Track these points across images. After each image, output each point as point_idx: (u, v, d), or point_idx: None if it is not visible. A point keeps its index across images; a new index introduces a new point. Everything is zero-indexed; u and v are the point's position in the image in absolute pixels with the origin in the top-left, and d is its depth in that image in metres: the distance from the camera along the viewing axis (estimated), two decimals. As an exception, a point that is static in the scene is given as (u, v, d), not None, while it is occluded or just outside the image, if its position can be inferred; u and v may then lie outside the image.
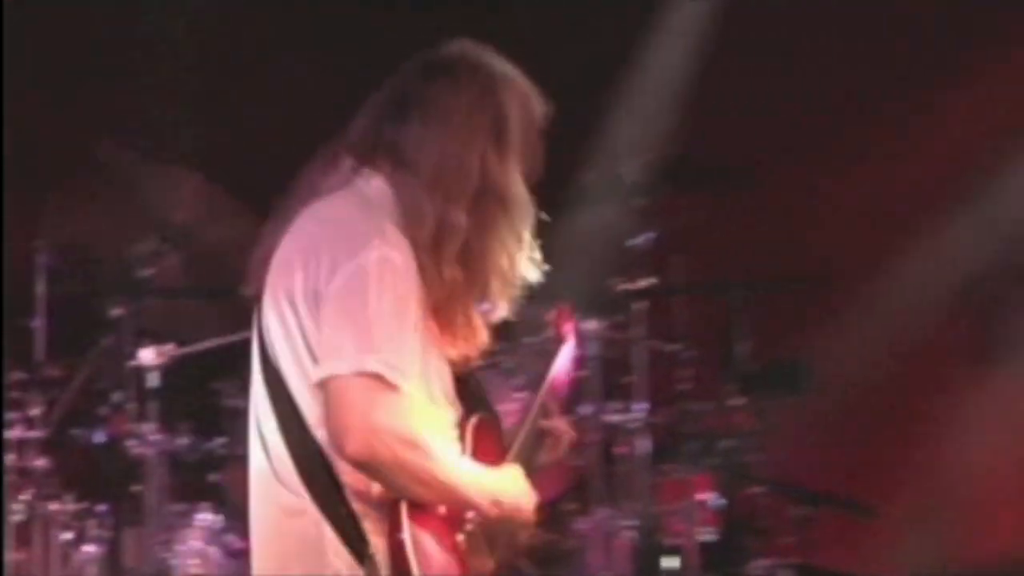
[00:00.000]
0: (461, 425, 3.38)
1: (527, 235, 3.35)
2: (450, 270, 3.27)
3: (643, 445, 5.50)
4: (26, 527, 5.23)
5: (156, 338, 5.38)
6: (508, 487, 3.40)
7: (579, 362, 4.11)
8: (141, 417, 5.22)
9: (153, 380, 5.20)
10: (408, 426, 3.19)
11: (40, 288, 5.33)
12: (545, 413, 3.63)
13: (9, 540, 5.25)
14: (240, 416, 4.85)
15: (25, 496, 5.21)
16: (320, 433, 3.22)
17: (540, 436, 3.61)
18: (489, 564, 3.39)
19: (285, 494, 3.26)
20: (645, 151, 6.05)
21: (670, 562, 5.39)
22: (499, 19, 6.58)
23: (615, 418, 5.50)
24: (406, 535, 3.19)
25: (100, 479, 5.32)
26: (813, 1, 6.94)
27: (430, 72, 3.41)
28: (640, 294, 5.55)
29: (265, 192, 3.58)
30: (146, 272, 5.26)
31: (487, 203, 3.33)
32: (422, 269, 3.24)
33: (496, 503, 3.32)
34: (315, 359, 3.22)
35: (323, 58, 7.02)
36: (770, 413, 5.84)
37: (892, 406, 6.59)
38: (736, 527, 5.58)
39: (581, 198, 5.93)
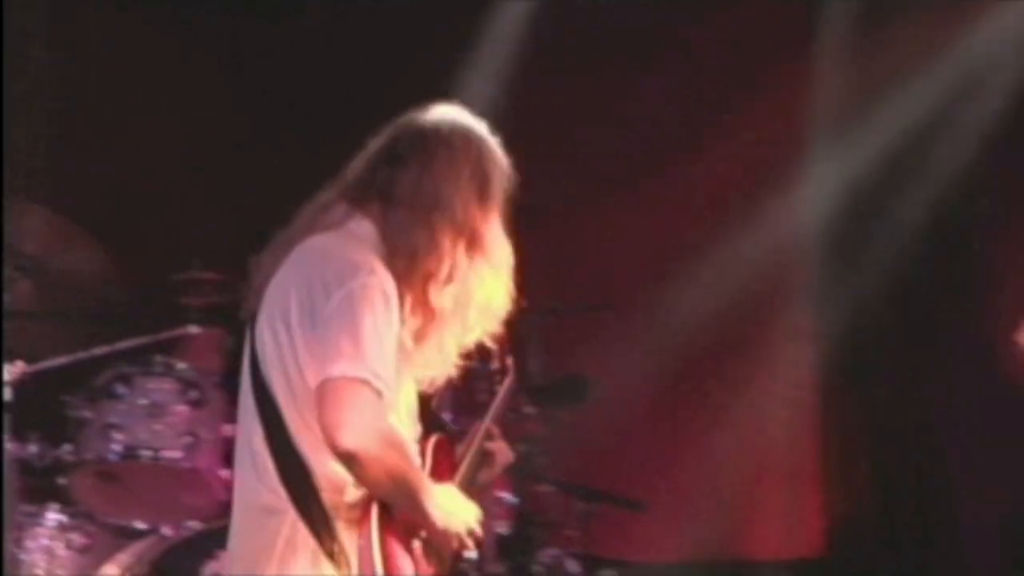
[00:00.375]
0: (421, 443, 3.65)
1: (505, 278, 3.64)
2: (432, 303, 3.56)
3: None
4: None
5: (9, 356, 5.34)
6: (454, 502, 3.64)
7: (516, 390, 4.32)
8: None
9: (6, 394, 5.25)
10: (391, 427, 3.47)
11: None
12: (490, 436, 3.92)
13: None
14: (84, 425, 5.34)
15: None
16: (302, 438, 3.52)
17: (484, 457, 3.89)
18: (436, 570, 3.61)
19: (266, 494, 3.52)
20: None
21: (468, 553, 5.57)
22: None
23: None
24: (374, 536, 3.44)
25: None
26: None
27: (423, 128, 3.68)
28: None
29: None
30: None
31: (470, 246, 3.59)
32: (403, 299, 3.53)
33: (445, 514, 3.57)
34: (303, 371, 3.47)
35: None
36: (557, 421, 6.03)
37: (662, 414, 6.88)
38: (527, 521, 5.75)
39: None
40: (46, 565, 5.41)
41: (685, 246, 6.79)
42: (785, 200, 6.94)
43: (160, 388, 5.47)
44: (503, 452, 3.95)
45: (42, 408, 5.60)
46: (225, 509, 4.43)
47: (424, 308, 3.57)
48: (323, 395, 3.42)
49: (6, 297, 5.41)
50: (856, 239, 6.85)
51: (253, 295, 3.64)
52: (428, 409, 3.74)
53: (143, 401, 5.42)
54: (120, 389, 5.48)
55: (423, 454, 3.66)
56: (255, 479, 3.57)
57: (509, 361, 4.15)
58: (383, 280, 3.52)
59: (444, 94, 3.85)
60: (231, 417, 5.15)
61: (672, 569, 6.84)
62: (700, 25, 7.09)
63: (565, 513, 5.87)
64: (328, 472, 3.50)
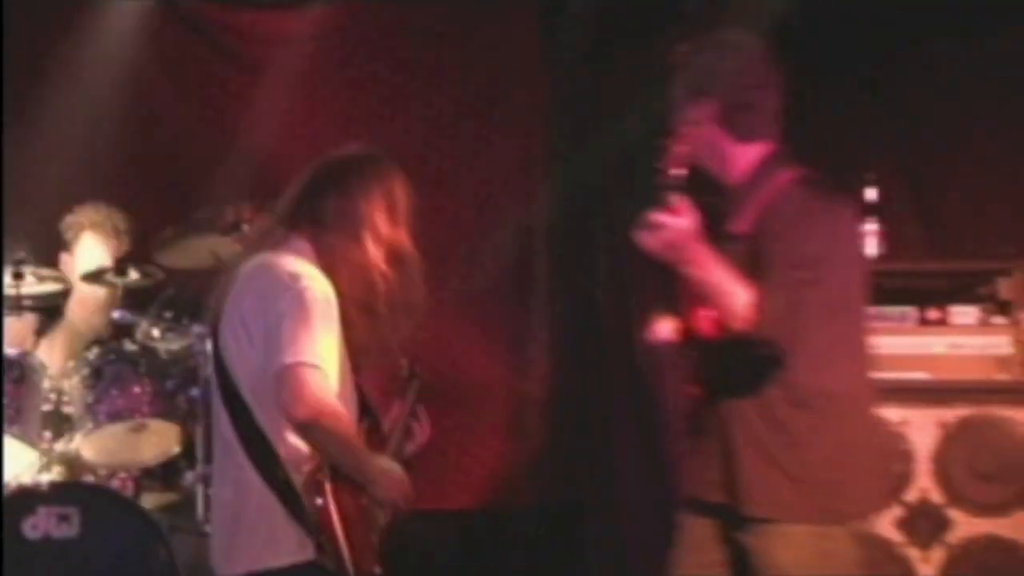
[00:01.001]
0: (357, 424, 4.11)
1: (419, 282, 4.13)
2: (366, 308, 4.03)
3: None
4: None
5: None
6: (389, 465, 4.12)
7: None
8: None
9: None
10: (336, 402, 3.89)
11: None
12: (415, 415, 4.48)
13: None
14: None
15: None
16: (264, 421, 3.94)
17: (408, 433, 4.44)
18: (379, 527, 4.08)
19: (234, 471, 3.99)
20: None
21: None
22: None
23: None
24: (329, 498, 3.85)
25: None
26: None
27: (337, 163, 4.18)
28: None
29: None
30: None
31: (389, 256, 4.09)
32: (342, 312, 3.99)
33: (384, 473, 4.04)
34: (261, 364, 3.89)
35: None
36: None
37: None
38: None
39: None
40: None
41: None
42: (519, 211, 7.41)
43: None
44: (426, 428, 4.49)
45: None
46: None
47: (360, 313, 4.03)
48: (280, 379, 3.83)
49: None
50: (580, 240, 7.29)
51: (212, 310, 4.11)
52: (361, 396, 4.21)
53: None
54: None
55: (359, 432, 4.10)
56: (224, 459, 4.04)
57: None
58: (323, 285, 3.97)
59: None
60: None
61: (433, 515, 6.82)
62: (439, 55, 7.44)
63: None
64: (288, 448, 3.93)
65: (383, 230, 4.12)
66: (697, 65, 4.22)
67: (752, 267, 4.01)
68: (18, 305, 6.01)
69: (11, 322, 6.07)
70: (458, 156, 7.51)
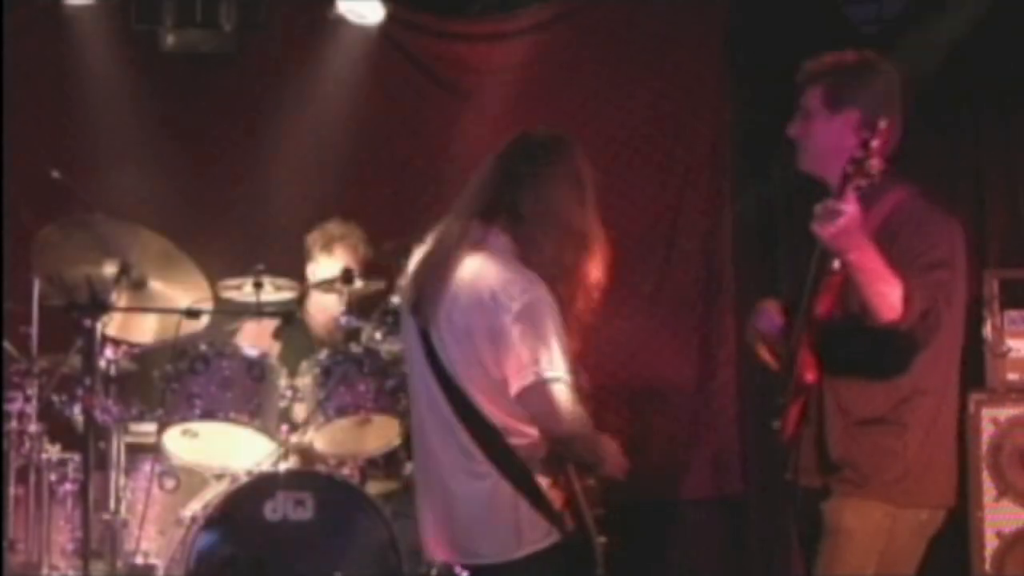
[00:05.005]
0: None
1: (603, 266, 3.96)
2: (567, 303, 3.90)
3: None
4: (25, 471, 5.81)
5: (114, 342, 5.91)
6: (613, 445, 4.08)
7: None
8: (104, 395, 5.73)
9: (112, 370, 5.87)
10: (580, 410, 3.88)
11: (35, 305, 5.87)
12: None
13: (12, 480, 5.78)
14: (170, 394, 5.76)
15: (24, 449, 5.78)
16: (492, 414, 3.85)
17: None
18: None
19: (468, 463, 3.89)
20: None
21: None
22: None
23: None
24: (577, 487, 3.91)
25: (76, 438, 5.73)
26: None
27: (531, 152, 3.99)
28: None
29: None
30: (109, 295, 5.72)
31: (581, 242, 3.92)
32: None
33: (611, 455, 4.04)
34: (488, 370, 3.80)
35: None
36: None
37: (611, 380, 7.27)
38: None
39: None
40: (144, 501, 5.82)
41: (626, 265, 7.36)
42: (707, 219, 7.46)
43: (231, 366, 5.85)
44: None
45: (140, 381, 6.02)
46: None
47: (565, 305, 3.90)
48: (534, 395, 3.78)
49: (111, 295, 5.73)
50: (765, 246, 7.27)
51: (425, 301, 3.94)
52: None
53: (218, 376, 5.81)
54: (200, 366, 5.84)
55: None
56: (457, 453, 3.93)
57: None
58: (545, 290, 3.85)
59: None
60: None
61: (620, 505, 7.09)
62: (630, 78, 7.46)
63: None
64: (519, 439, 3.87)
65: (576, 218, 3.94)
66: (840, 76, 4.17)
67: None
68: (258, 311, 6.20)
69: (252, 326, 6.33)
70: (650, 169, 7.56)
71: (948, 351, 4.17)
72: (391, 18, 7.36)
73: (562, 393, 3.82)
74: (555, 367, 3.81)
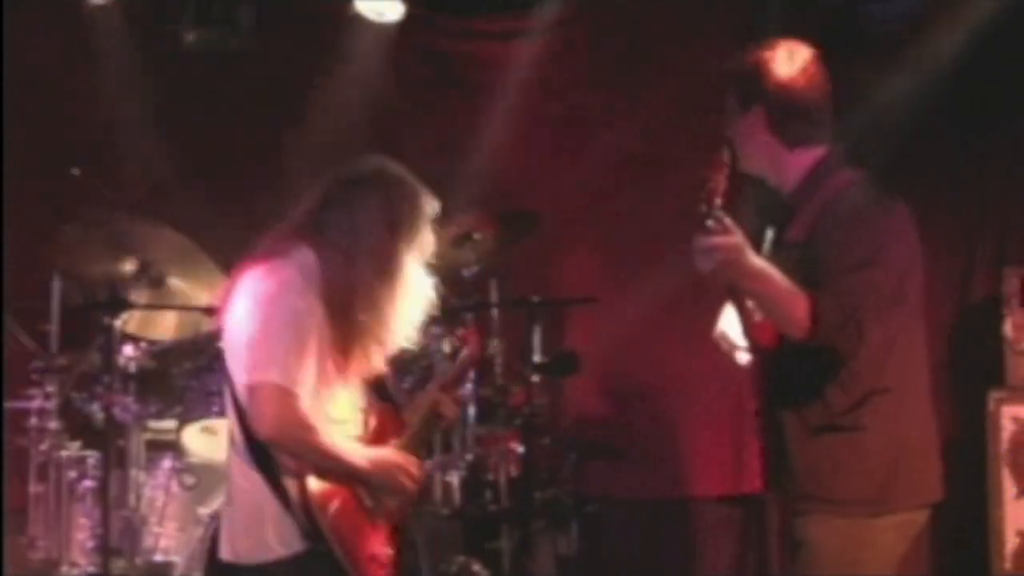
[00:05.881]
0: (365, 414, 4.04)
1: (419, 302, 4.00)
2: (355, 323, 3.90)
3: (471, 411, 6.03)
4: (44, 468, 5.86)
5: (134, 339, 5.91)
6: (388, 457, 4.01)
7: (472, 362, 4.78)
8: (123, 393, 5.76)
9: (131, 368, 5.84)
10: (303, 416, 3.78)
11: (55, 302, 5.95)
12: (440, 401, 4.37)
13: (32, 477, 5.85)
14: (189, 391, 5.86)
15: (44, 447, 5.82)
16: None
17: (436, 416, 4.35)
18: (389, 515, 4.02)
19: (245, 472, 3.93)
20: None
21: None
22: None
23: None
24: (312, 496, 3.81)
25: (95, 435, 5.78)
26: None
27: (352, 178, 4.06)
28: (468, 308, 6.07)
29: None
30: (128, 292, 5.77)
31: (387, 276, 3.95)
32: (333, 320, 3.86)
33: (381, 471, 3.94)
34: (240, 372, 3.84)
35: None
36: (556, 388, 6.59)
37: (639, 378, 7.43)
38: (532, 466, 6.07)
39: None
40: (163, 498, 5.83)
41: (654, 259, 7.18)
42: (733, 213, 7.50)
43: None
44: (451, 409, 4.40)
45: (159, 379, 5.95)
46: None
47: (349, 329, 3.89)
48: (248, 397, 3.80)
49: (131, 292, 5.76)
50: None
51: (221, 314, 4.02)
52: (379, 387, 4.13)
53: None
54: (219, 363, 5.65)
55: (366, 423, 4.04)
56: (233, 454, 4.00)
57: (468, 338, 4.65)
58: (305, 301, 3.83)
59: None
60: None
61: (644, 504, 7.20)
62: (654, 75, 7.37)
63: (561, 460, 6.30)
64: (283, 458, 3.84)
65: (382, 247, 3.97)
66: (744, 74, 4.01)
67: (808, 276, 3.80)
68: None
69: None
70: (670, 166, 7.35)
71: (906, 346, 3.95)
72: (410, 15, 7.30)
73: (275, 399, 3.78)
74: (277, 372, 3.79)
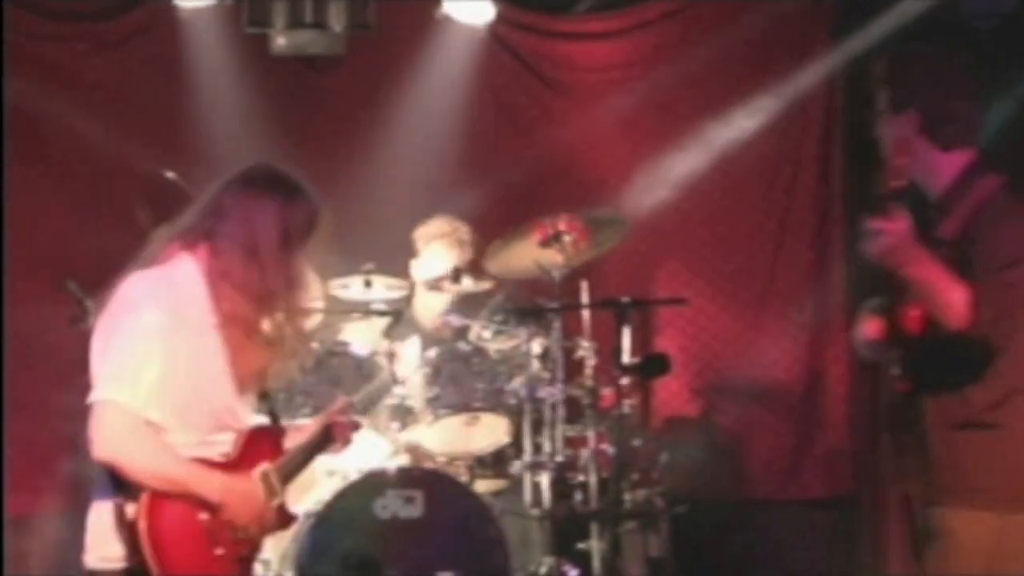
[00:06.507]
0: (240, 434, 3.93)
1: (302, 304, 3.97)
2: (244, 330, 3.83)
3: (561, 412, 5.97)
4: None
5: None
6: (237, 486, 3.84)
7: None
8: None
9: None
10: (142, 436, 3.67)
11: None
12: (339, 420, 4.28)
13: None
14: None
15: None
16: None
17: (325, 440, 4.23)
18: (240, 539, 3.87)
19: (100, 482, 3.83)
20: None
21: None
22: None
23: (543, 394, 5.93)
24: (141, 518, 3.70)
25: None
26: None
27: (238, 184, 3.98)
28: (558, 310, 6.00)
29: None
30: None
31: (278, 281, 3.88)
32: (223, 327, 3.81)
33: (224, 494, 3.78)
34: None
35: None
36: (645, 389, 6.45)
37: (729, 379, 7.37)
38: (623, 467, 5.97)
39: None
40: None
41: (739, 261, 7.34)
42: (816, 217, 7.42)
43: (341, 364, 5.90)
44: (344, 435, 4.30)
45: None
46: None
47: (242, 331, 3.85)
48: (90, 412, 3.71)
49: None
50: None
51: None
52: (269, 407, 4.13)
53: (328, 374, 5.85)
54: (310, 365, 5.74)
55: (236, 443, 3.92)
56: (99, 473, 3.84)
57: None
58: (159, 316, 3.73)
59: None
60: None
61: (735, 505, 7.23)
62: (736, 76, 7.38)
63: (652, 461, 6.18)
64: None
65: (268, 250, 3.89)
66: (898, 79, 4.08)
67: (961, 272, 3.92)
68: (367, 310, 6.21)
69: (362, 325, 6.28)
70: (758, 167, 7.50)
71: None
72: (499, 17, 7.33)
73: (109, 419, 3.71)
74: (117, 389, 3.71)
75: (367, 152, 7.26)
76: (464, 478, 5.96)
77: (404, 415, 6.02)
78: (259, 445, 4.03)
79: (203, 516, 3.82)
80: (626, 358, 6.00)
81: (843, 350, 7.27)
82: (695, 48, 7.44)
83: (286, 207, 3.95)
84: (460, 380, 5.95)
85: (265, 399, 4.14)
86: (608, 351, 6.08)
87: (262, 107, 7.24)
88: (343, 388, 5.79)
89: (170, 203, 5.88)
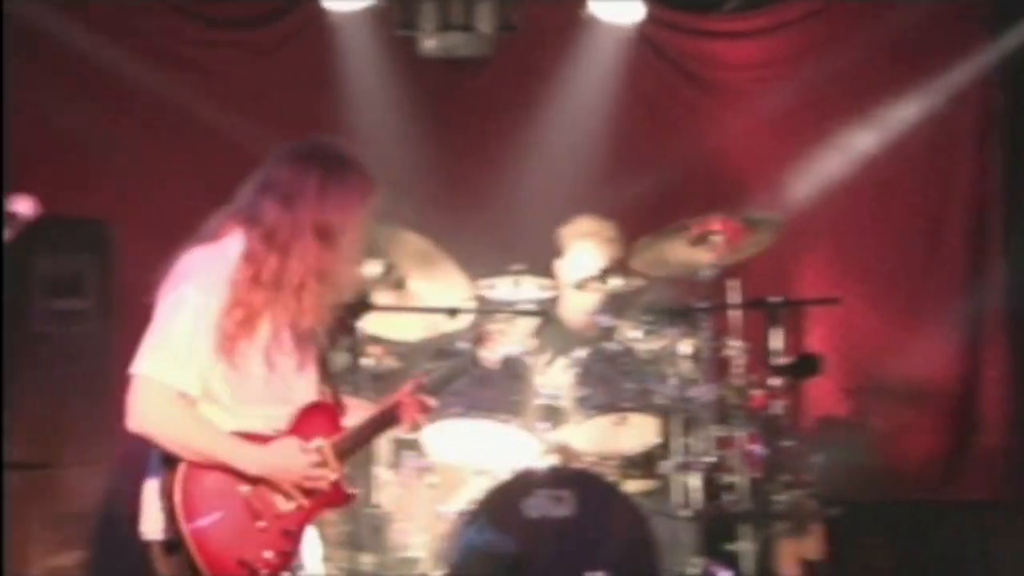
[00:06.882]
0: (296, 409, 3.93)
1: (344, 283, 3.92)
2: (287, 303, 3.82)
3: (711, 412, 5.91)
4: None
5: (377, 340, 5.98)
6: (277, 459, 3.85)
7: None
8: (368, 393, 5.57)
9: (376, 367, 5.88)
10: (177, 411, 3.74)
11: None
12: (410, 401, 4.18)
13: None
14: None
15: None
16: None
17: (390, 418, 4.16)
18: (280, 519, 3.87)
19: (154, 451, 3.87)
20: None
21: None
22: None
23: (692, 394, 5.86)
24: (176, 489, 3.76)
25: None
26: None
27: (284, 159, 3.92)
28: (708, 309, 5.95)
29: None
30: (372, 294, 5.76)
31: (315, 254, 3.83)
32: (270, 303, 3.79)
33: (261, 466, 3.80)
34: None
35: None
36: (796, 389, 6.28)
37: (881, 380, 7.33)
38: (774, 468, 5.94)
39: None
40: (408, 496, 5.91)
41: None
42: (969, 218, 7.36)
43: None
44: (411, 415, 4.18)
45: (403, 379, 5.69)
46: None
47: (284, 311, 3.82)
48: (130, 385, 3.78)
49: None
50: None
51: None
52: (331, 383, 4.07)
53: (477, 374, 5.46)
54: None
55: (291, 418, 3.92)
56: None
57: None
58: (200, 291, 3.76)
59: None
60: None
61: (892, 506, 7.11)
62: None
63: (804, 462, 6.10)
64: None
65: (308, 223, 3.84)
66: None
67: None
68: (516, 310, 6.21)
69: (511, 325, 6.21)
70: (910, 164, 7.43)
71: None
72: (645, 16, 7.30)
73: (143, 393, 3.77)
74: (153, 365, 3.76)
75: (514, 153, 7.29)
76: (613, 478, 5.92)
77: (553, 415, 5.99)
78: (315, 421, 4.02)
79: (243, 488, 3.85)
80: (777, 359, 5.97)
81: (1001, 351, 7.17)
82: (842, 46, 7.36)
83: (326, 180, 3.89)
84: (609, 380, 5.90)
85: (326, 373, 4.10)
86: (757, 351, 6.03)
87: (410, 109, 7.32)
88: (492, 389, 5.80)
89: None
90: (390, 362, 6.07)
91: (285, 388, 3.93)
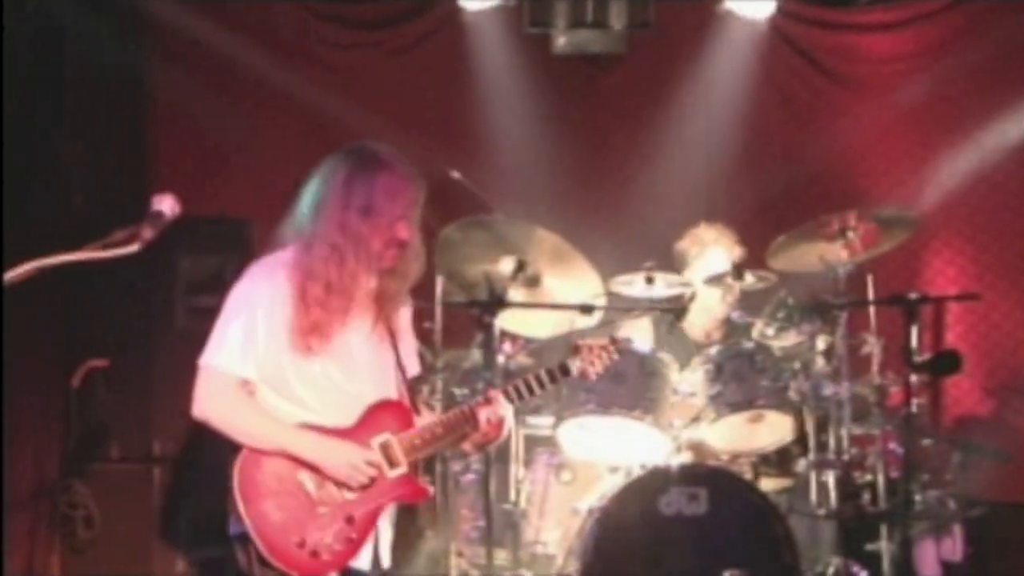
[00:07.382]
0: (365, 406, 4.02)
1: (408, 277, 4.07)
2: (330, 309, 3.95)
3: (847, 409, 5.80)
4: (431, 461, 5.88)
5: (511, 336, 6.03)
6: (336, 449, 3.95)
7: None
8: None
9: (510, 364, 5.93)
10: (237, 400, 3.91)
11: (437, 301, 6.01)
12: (475, 416, 4.16)
13: (420, 470, 5.51)
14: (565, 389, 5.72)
15: None
16: None
17: (467, 426, 4.18)
18: (348, 496, 3.95)
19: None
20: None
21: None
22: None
23: (828, 392, 5.79)
24: (235, 473, 3.91)
25: None
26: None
27: (321, 169, 4.08)
28: (845, 306, 5.85)
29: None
30: (506, 291, 5.74)
31: (346, 257, 3.97)
32: (318, 307, 3.93)
33: (318, 454, 3.91)
34: None
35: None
36: (935, 387, 6.41)
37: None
38: (913, 467, 5.77)
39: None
40: (542, 493, 5.93)
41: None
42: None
43: (624, 361, 5.51)
44: (477, 420, 4.16)
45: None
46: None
47: (326, 314, 3.95)
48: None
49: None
50: None
51: None
52: (410, 381, 4.17)
53: (611, 371, 5.38)
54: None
55: (360, 414, 4.01)
56: None
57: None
58: (259, 285, 3.96)
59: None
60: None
61: None
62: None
63: (944, 461, 6.02)
64: None
65: (352, 239, 3.95)
66: None
67: None
68: (649, 307, 6.16)
69: (644, 321, 6.26)
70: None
71: None
72: (779, 11, 7.25)
73: (205, 382, 3.95)
74: (214, 354, 3.95)
75: (647, 150, 7.26)
76: (748, 476, 5.89)
77: (689, 412, 5.95)
78: (384, 417, 4.09)
79: (303, 474, 3.95)
80: (915, 356, 5.80)
81: None
82: (979, 40, 7.24)
83: (351, 179, 4.02)
84: (743, 377, 5.85)
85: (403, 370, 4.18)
86: (894, 348, 5.93)
87: (543, 106, 7.34)
88: (627, 386, 5.77)
89: (456, 202, 6.21)
90: (523, 359, 6.06)
91: (355, 384, 4.04)
